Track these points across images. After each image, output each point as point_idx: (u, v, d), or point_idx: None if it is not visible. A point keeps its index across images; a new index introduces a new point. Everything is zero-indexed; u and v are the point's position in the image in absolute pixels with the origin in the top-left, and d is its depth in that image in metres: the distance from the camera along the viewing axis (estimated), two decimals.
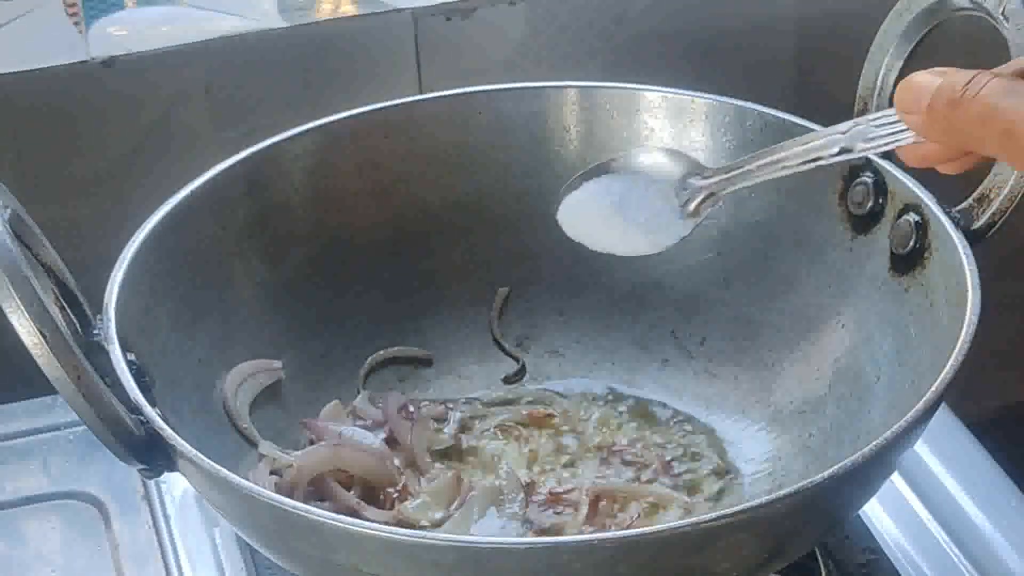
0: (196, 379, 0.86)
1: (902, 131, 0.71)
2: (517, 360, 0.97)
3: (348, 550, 0.71)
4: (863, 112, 0.92)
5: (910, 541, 0.91)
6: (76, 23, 1.10)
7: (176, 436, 0.74)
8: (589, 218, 0.84)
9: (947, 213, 0.85)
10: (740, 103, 0.94)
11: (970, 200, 0.85)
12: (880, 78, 0.91)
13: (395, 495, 0.86)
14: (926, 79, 0.68)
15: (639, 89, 0.96)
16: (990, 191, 0.85)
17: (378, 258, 0.96)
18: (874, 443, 0.72)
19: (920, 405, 0.74)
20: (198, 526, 0.92)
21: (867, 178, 0.89)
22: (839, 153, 0.75)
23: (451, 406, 0.94)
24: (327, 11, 1.11)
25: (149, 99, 1.07)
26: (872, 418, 0.85)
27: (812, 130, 0.91)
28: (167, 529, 0.92)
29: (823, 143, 0.75)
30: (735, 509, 0.69)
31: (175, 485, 0.94)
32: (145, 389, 0.77)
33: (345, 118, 0.95)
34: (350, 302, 0.95)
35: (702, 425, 0.93)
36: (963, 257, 0.82)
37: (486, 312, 0.98)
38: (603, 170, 0.84)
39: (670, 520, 0.85)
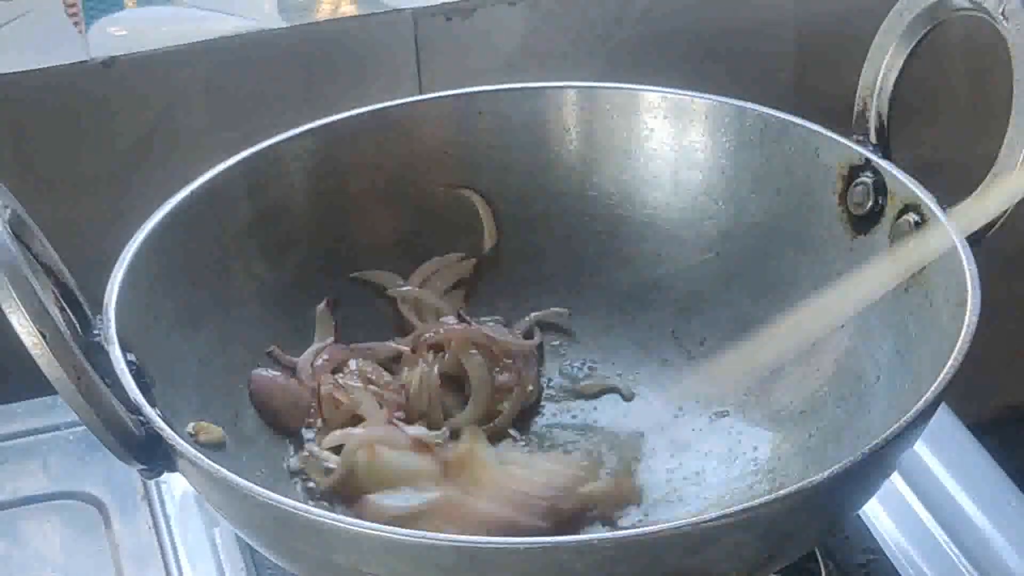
0: (196, 379, 0.86)
1: None
2: None
3: (348, 550, 0.71)
4: (863, 112, 0.92)
5: (910, 541, 0.91)
6: (76, 23, 1.10)
7: (176, 436, 0.74)
8: None
9: (947, 213, 0.85)
10: (740, 103, 0.94)
11: (970, 200, 0.85)
12: (880, 78, 0.91)
13: None
14: None
15: (639, 89, 0.96)
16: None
17: (378, 258, 0.96)
18: (874, 443, 0.72)
19: (920, 405, 0.74)
20: (198, 526, 0.92)
21: (867, 178, 0.89)
22: None
23: None
24: (327, 11, 1.11)
25: (149, 99, 1.07)
26: (872, 418, 0.85)
27: (812, 130, 0.92)
28: (167, 529, 0.92)
29: None
30: (735, 509, 0.69)
31: (175, 485, 0.94)
32: (145, 389, 0.77)
33: (345, 118, 0.95)
34: (350, 302, 0.95)
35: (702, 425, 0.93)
36: (963, 257, 0.82)
37: (486, 312, 0.98)
38: None
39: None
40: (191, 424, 0.82)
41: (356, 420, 0.89)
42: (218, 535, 0.91)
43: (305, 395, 0.90)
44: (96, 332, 0.79)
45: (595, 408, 0.94)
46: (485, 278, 0.98)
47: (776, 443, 0.90)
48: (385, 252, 0.96)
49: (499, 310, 0.97)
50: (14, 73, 1.04)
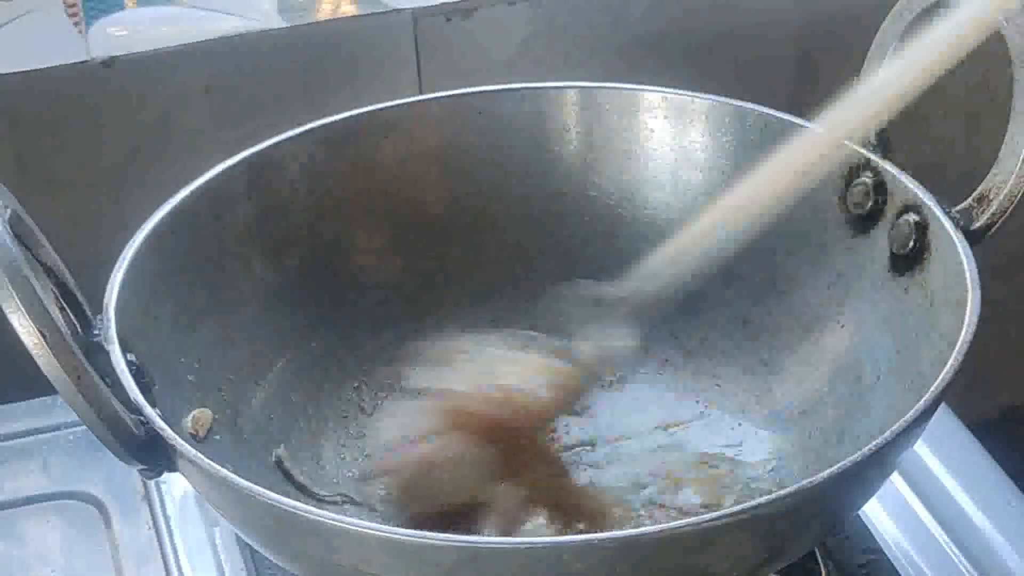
0: (196, 379, 0.86)
1: None
2: None
3: (348, 550, 0.71)
4: None
5: (910, 541, 0.91)
6: (76, 23, 1.10)
7: (176, 436, 0.74)
8: None
9: (947, 213, 0.85)
10: (740, 103, 0.94)
11: (970, 200, 0.85)
12: None
13: None
14: None
15: (639, 89, 0.96)
16: (990, 191, 0.85)
17: (378, 258, 0.96)
18: (874, 443, 0.72)
19: (920, 405, 0.74)
20: (198, 526, 0.92)
21: (867, 178, 0.89)
22: None
23: None
24: (327, 11, 1.11)
25: (149, 99, 1.07)
26: (872, 418, 0.85)
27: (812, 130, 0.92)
28: (167, 529, 0.92)
29: None
30: (735, 509, 0.69)
31: (175, 485, 0.94)
32: (145, 389, 0.77)
33: (345, 118, 0.95)
34: (350, 302, 0.95)
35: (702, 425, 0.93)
36: (963, 257, 0.81)
37: (486, 312, 0.98)
38: None
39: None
40: (189, 416, 0.82)
41: None
42: (218, 535, 0.91)
43: None
44: (96, 332, 0.79)
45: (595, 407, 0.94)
46: (482, 278, 0.98)
47: (776, 443, 0.90)
48: (385, 251, 0.96)
49: (495, 309, 0.97)
50: (14, 73, 1.04)
